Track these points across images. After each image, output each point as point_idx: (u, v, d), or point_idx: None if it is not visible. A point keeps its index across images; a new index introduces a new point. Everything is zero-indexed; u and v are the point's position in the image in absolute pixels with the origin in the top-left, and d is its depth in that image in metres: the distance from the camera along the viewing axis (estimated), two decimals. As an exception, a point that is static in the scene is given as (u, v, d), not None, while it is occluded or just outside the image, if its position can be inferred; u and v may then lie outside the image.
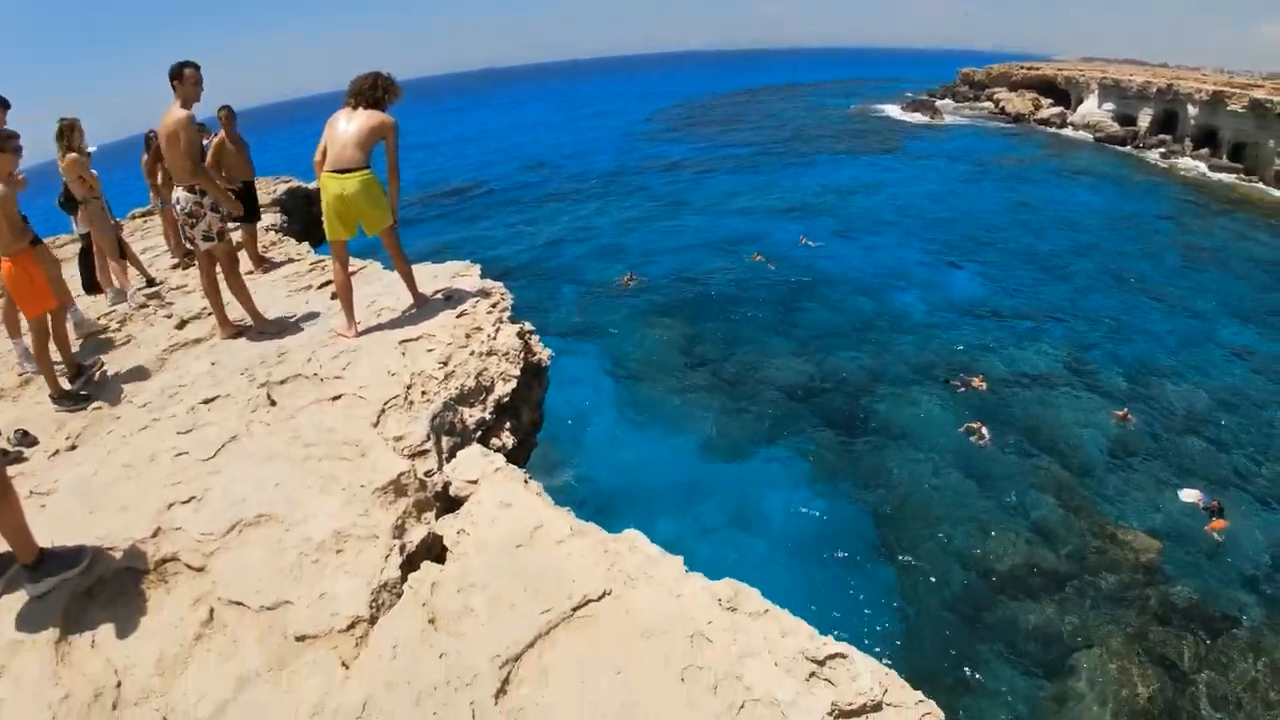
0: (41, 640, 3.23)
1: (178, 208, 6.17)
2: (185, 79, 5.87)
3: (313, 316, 6.64)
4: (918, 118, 78.10)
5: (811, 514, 16.13)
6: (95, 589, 3.52)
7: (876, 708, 2.77)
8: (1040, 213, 40.01)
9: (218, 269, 6.37)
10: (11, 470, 3.85)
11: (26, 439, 5.16)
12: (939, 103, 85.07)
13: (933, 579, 14.12)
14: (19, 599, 3.44)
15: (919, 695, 2.89)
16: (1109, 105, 63.43)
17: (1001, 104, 75.97)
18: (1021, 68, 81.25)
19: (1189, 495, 16.19)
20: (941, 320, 26.08)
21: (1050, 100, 72.27)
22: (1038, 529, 15.32)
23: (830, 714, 2.69)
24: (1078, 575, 14.05)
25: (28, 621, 3.34)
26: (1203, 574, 14.19)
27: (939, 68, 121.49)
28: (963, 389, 20.68)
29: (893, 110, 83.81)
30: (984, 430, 18.48)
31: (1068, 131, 65.91)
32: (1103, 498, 16.38)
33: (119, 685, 3.01)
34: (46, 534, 3.68)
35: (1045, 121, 69.14)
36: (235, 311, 6.55)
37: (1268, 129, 45.81)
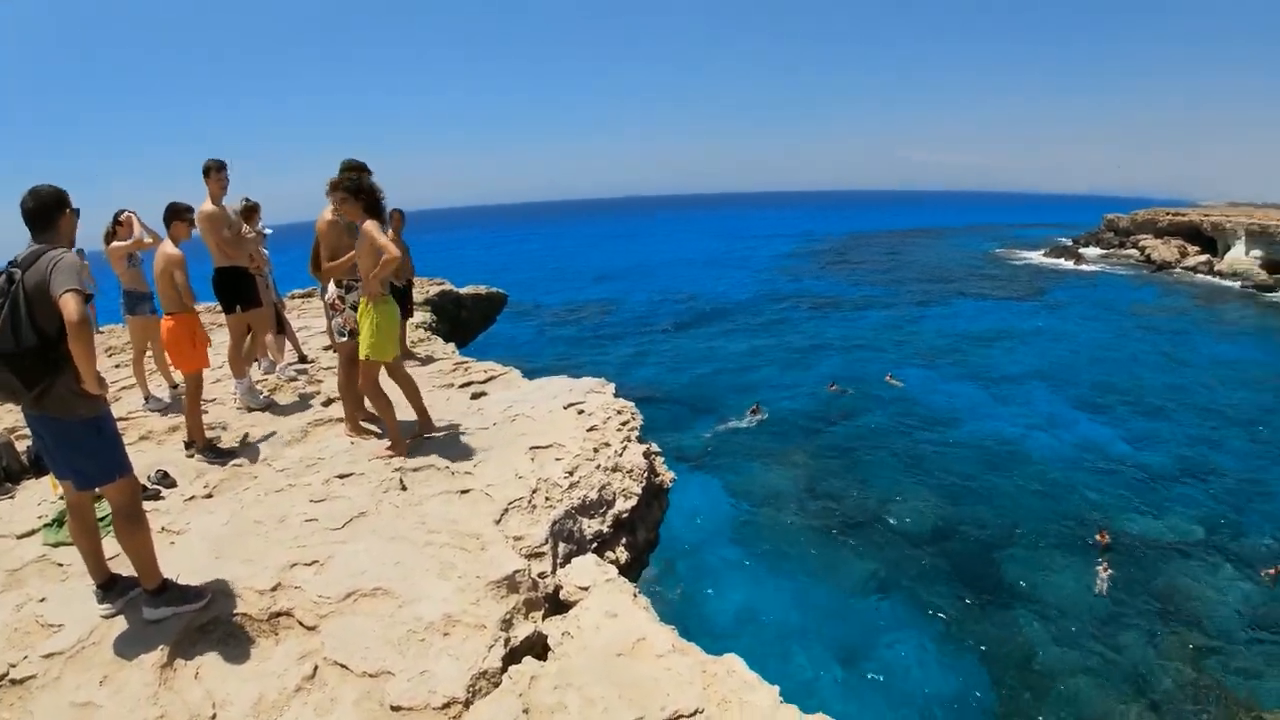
0: (148, 661, 3.44)
1: (326, 297, 6.42)
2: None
3: (453, 414, 6.83)
4: (1061, 264, 76.42)
5: (923, 666, 15.06)
6: (209, 626, 3.74)
7: None
8: (1185, 366, 37.40)
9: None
10: (146, 506, 4.11)
11: (166, 480, 5.46)
12: (1083, 249, 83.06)
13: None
14: (132, 621, 3.68)
15: None
16: (1256, 251, 59.90)
17: (1147, 251, 72.96)
18: (1166, 213, 77.97)
19: None
20: (1078, 474, 24.21)
21: (1197, 247, 68.85)
22: (1170, 705, 13.73)
23: None
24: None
25: (138, 642, 3.56)
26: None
27: (1082, 212, 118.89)
28: (1092, 545, 19.32)
29: (1035, 256, 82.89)
30: (1108, 569, 17.73)
31: (1215, 279, 62.19)
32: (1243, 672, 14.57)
33: (214, 717, 3.09)
34: (171, 569, 3.96)
35: (1191, 269, 65.73)
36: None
37: None
